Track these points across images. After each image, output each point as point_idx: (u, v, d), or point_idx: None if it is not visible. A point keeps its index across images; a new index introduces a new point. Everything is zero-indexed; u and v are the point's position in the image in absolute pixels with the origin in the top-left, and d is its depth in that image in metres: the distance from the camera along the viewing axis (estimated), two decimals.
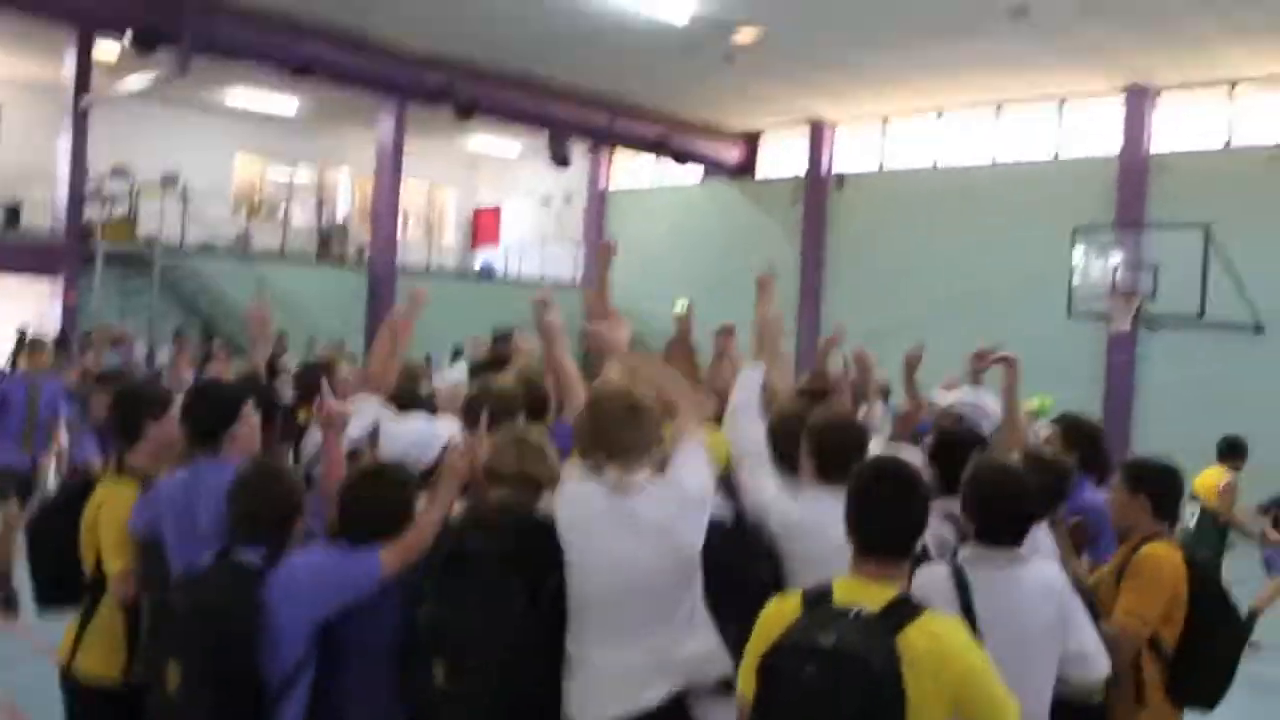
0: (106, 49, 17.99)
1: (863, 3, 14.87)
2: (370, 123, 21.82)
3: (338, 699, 3.21)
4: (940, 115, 21.04)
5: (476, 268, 27.12)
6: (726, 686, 3.01)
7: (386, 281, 21.28)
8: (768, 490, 3.49)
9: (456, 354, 16.63)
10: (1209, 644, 3.73)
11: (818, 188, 22.42)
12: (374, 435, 3.91)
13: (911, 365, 5.25)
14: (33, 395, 8.94)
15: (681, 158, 22.04)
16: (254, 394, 3.84)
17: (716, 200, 24.12)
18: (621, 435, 3.15)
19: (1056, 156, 19.68)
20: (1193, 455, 9.03)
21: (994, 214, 19.62)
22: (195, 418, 3.63)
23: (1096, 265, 17.77)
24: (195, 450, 3.61)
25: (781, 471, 3.59)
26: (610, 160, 25.94)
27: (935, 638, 2.51)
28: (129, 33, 15.00)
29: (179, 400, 3.92)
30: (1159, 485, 3.93)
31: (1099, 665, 3.25)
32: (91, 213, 18.78)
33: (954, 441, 4.05)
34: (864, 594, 2.59)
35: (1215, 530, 8.58)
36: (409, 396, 4.68)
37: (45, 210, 18.94)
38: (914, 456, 3.83)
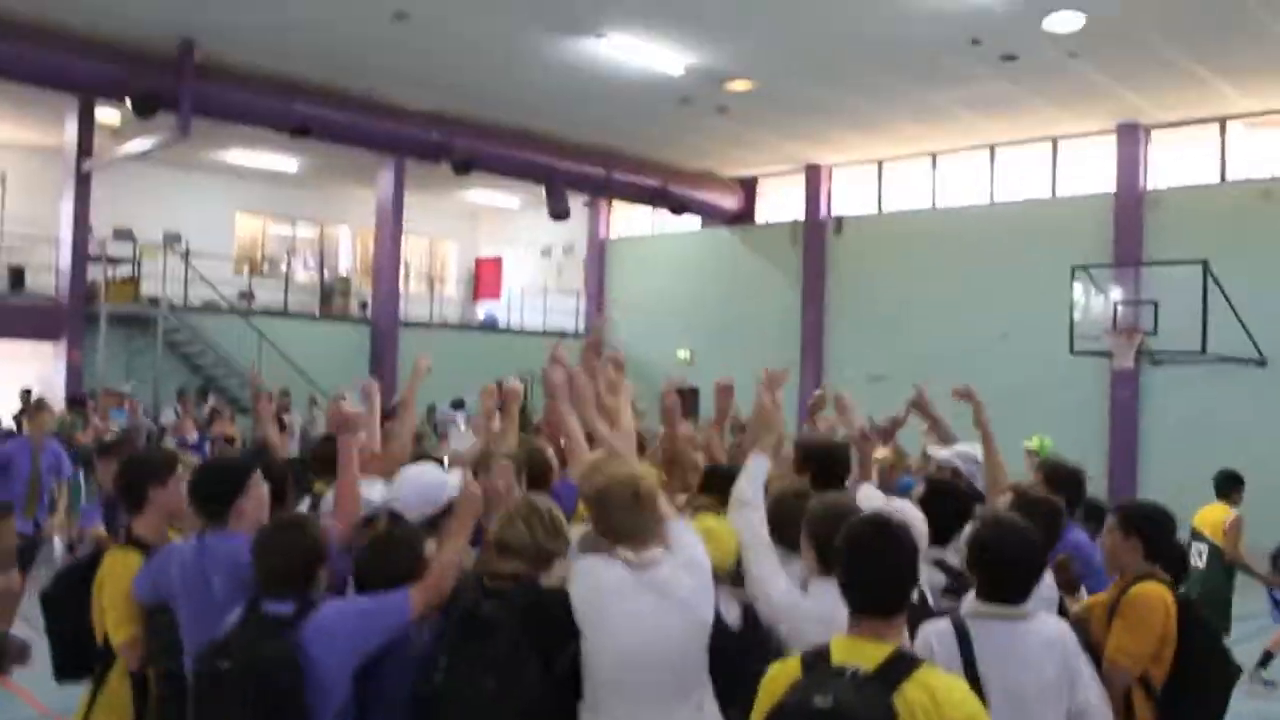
0: (107, 114, 18.20)
1: (852, 51, 15.01)
2: (370, 179, 21.99)
3: None
4: (935, 158, 21.18)
5: (479, 319, 27.23)
6: None
7: (389, 335, 21.36)
8: (778, 587, 3.47)
9: (458, 405, 16.71)
10: (1199, 683, 3.81)
11: (816, 231, 22.54)
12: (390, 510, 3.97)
13: (922, 407, 5.34)
14: (35, 459, 8.94)
15: (679, 208, 22.10)
16: (263, 467, 3.91)
17: (716, 247, 24.24)
18: (630, 521, 3.24)
19: (1053, 194, 19.79)
20: (1199, 489, 9.06)
21: (993, 253, 19.71)
22: (203, 491, 3.68)
23: (1097, 302, 17.82)
24: (205, 522, 3.65)
25: (782, 552, 3.62)
26: (609, 210, 26.09)
27: (932, 692, 2.52)
28: (129, 99, 15.14)
29: (184, 466, 3.97)
30: (1151, 528, 4.06)
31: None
32: (95, 274, 18.90)
33: (945, 491, 4.13)
34: (860, 653, 2.61)
35: (1224, 569, 8.51)
36: (415, 457, 4.73)
37: (49, 273, 19.08)
38: (911, 512, 3.85)
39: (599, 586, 3.19)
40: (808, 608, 3.37)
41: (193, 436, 14.80)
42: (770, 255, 23.18)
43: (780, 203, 23.65)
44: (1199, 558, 8.38)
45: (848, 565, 2.75)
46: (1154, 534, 4.04)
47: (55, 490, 9.36)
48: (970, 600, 3.29)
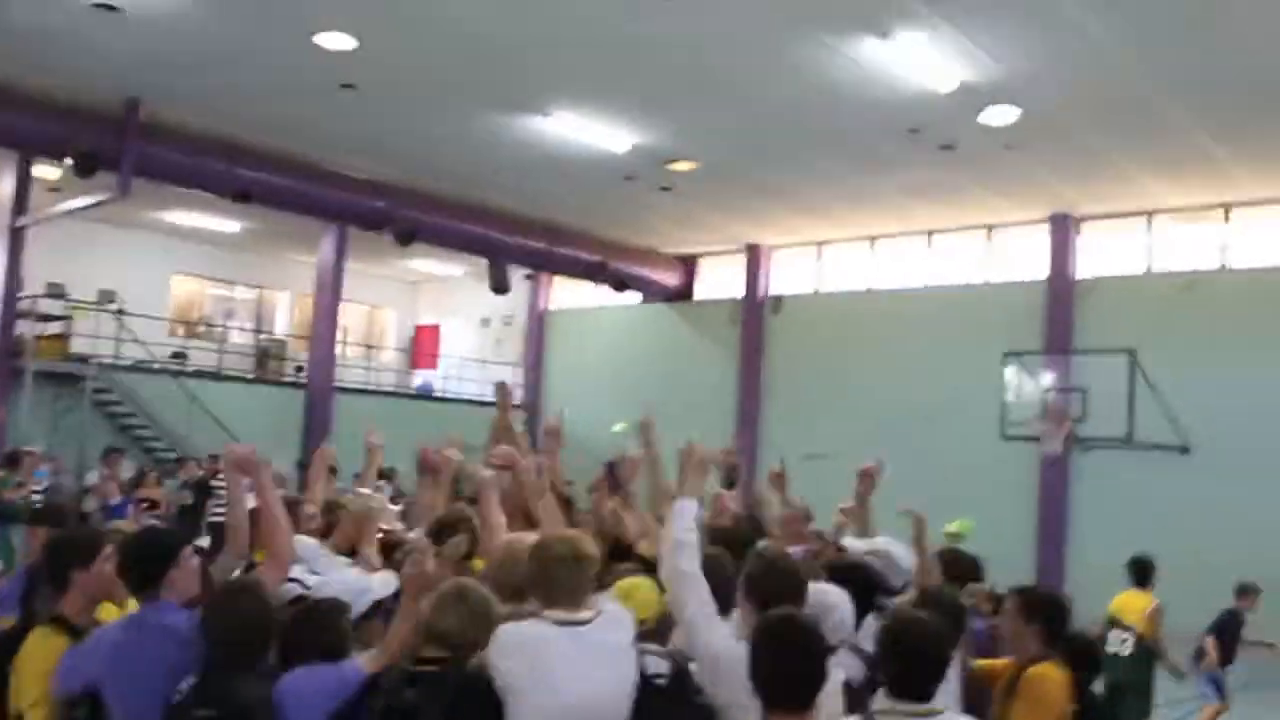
0: (46, 169, 17.98)
1: (795, 136, 15.32)
2: (312, 245, 21.90)
3: None
4: (873, 242, 21.57)
5: (415, 386, 27.07)
6: None
7: (323, 399, 21.15)
8: (719, 633, 3.42)
9: (388, 475, 16.46)
10: None
11: (754, 310, 22.78)
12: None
13: (866, 485, 5.38)
14: None
15: (620, 284, 22.23)
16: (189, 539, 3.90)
17: (655, 321, 24.38)
18: (569, 580, 3.30)
19: (987, 280, 20.21)
20: (1125, 573, 9.17)
21: (927, 336, 20.03)
22: (134, 565, 3.62)
23: (1028, 386, 18.15)
24: (137, 595, 3.61)
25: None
26: (550, 282, 26.18)
27: None
28: (70, 158, 15.00)
29: (117, 536, 3.93)
30: (1050, 615, 4.21)
31: None
32: (23, 330, 18.53)
33: (847, 578, 4.16)
34: None
35: (1147, 656, 8.58)
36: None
37: None
38: (835, 594, 3.88)
39: (533, 648, 3.18)
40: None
41: (116, 498, 14.49)
42: (709, 332, 23.36)
43: (720, 281, 23.90)
44: (1121, 645, 8.46)
45: (758, 659, 2.80)
46: (1054, 620, 4.18)
47: None
48: (880, 698, 3.26)
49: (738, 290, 23.14)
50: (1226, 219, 17.94)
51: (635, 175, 17.40)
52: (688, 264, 24.08)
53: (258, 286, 27.06)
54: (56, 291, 20.07)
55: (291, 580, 4.00)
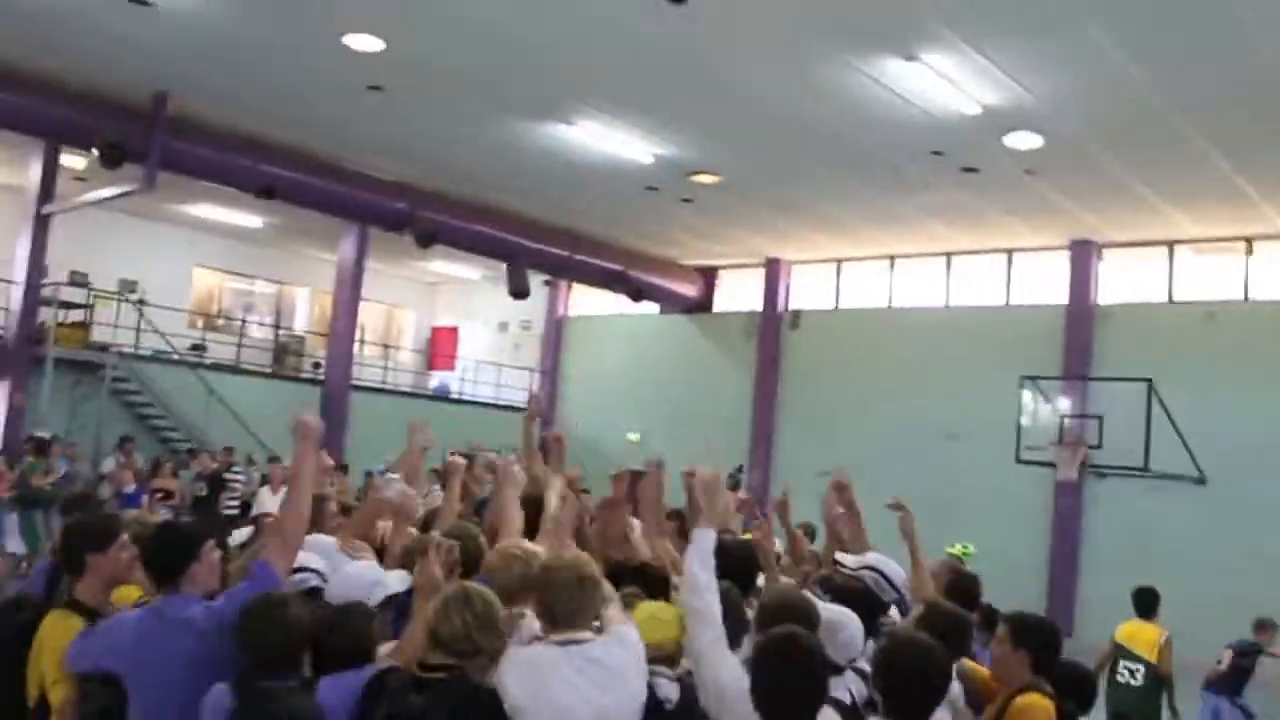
0: (73, 158, 18.12)
1: (819, 154, 15.33)
2: (332, 243, 21.99)
3: None
4: (893, 261, 21.55)
5: (431, 387, 27.15)
6: None
7: (340, 397, 21.21)
8: (730, 668, 3.37)
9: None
10: None
11: (772, 324, 22.79)
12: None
13: (842, 496, 5.36)
14: None
15: (638, 294, 22.21)
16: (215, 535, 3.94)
17: (673, 332, 24.41)
18: (573, 604, 3.35)
19: (1006, 303, 20.16)
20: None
21: (945, 356, 20.01)
22: (156, 558, 3.67)
23: (1044, 411, 18.11)
24: (158, 588, 3.65)
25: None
26: (569, 288, 26.24)
27: None
28: (97, 149, 15.11)
29: (141, 525, 3.99)
30: (1040, 642, 4.15)
31: None
32: (45, 317, 18.66)
33: (850, 599, 4.16)
34: None
35: (1159, 688, 8.51)
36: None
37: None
38: (847, 617, 3.89)
39: (537, 669, 3.22)
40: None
41: (131, 487, 14.60)
42: (726, 344, 23.37)
43: (738, 294, 23.91)
44: (1131, 675, 8.40)
45: (759, 677, 2.82)
46: (1042, 648, 4.13)
47: None
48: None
49: (756, 304, 23.14)
50: (1249, 251, 17.89)
51: (657, 186, 17.44)
52: (707, 276, 24.10)
53: (278, 282, 27.20)
54: (79, 280, 20.21)
55: (308, 570, 4.03)
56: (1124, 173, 14.97)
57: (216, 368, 21.34)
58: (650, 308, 24.39)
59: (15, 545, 12.96)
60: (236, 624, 3.36)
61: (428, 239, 18.67)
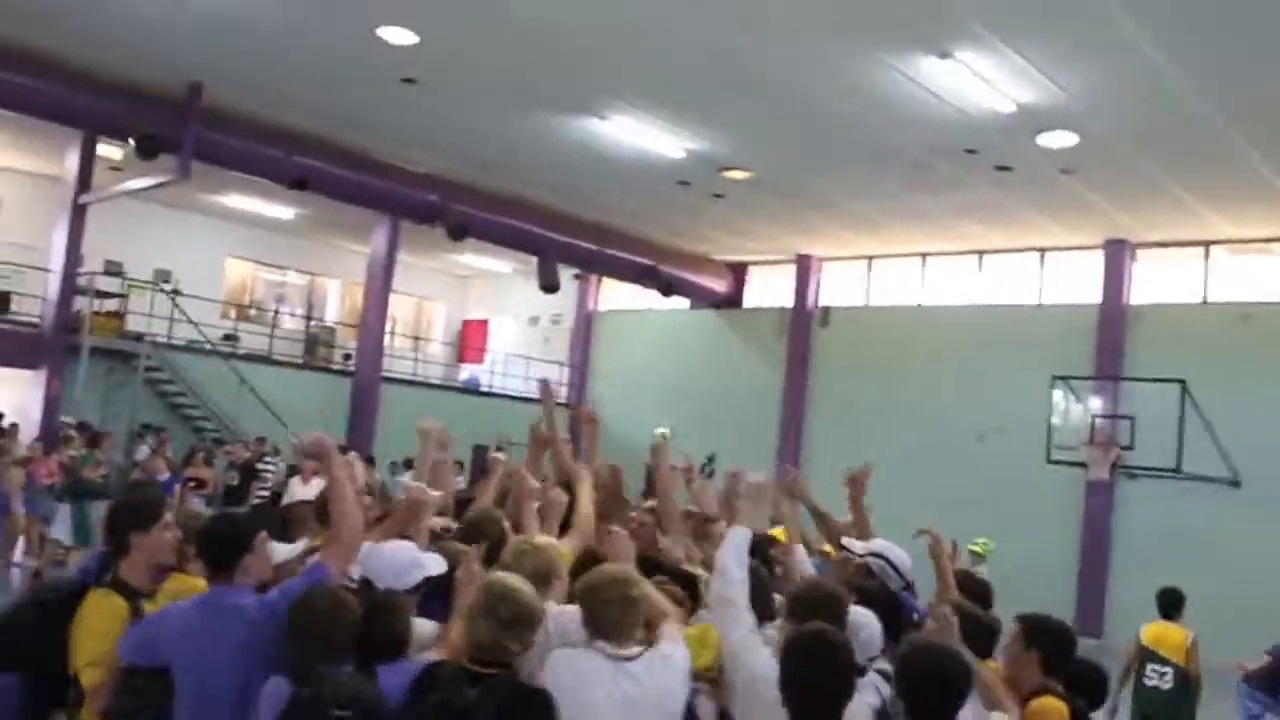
0: (109, 148, 18.32)
1: (851, 151, 15.28)
2: (364, 235, 22.13)
3: None
4: (924, 259, 21.45)
5: (461, 380, 27.26)
6: None
7: (371, 389, 21.36)
8: (762, 658, 3.47)
9: (408, 464, 16.59)
10: None
11: (802, 320, 22.73)
12: None
13: (857, 487, 5.36)
14: None
15: (668, 288, 22.19)
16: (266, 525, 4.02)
17: (703, 327, 24.40)
18: (616, 617, 3.41)
19: (1038, 303, 20.03)
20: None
21: (976, 355, 19.90)
22: (211, 548, 3.74)
23: (1076, 410, 18.01)
24: (212, 577, 3.72)
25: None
26: (599, 283, 26.28)
27: None
28: (132, 139, 15.26)
29: (188, 518, 4.09)
30: (1052, 644, 4.16)
31: None
32: (81, 306, 18.89)
33: (873, 601, 4.16)
34: None
35: (1189, 691, 8.43)
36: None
37: (35, 301, 19.06)
38: (866, 616, 3.92)
39: (578, 676, 3.32)
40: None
41: (164, 475, 14.74)
42: (756, 340, 23.34)
43: (769, 290, 23.87)
44: (1160, 678, 8.32)
45: (788, 675, 2.85)
46: (1053, 649, 4.15)
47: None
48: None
49: (786, 300, 23.10)
50: None
51: (689, 181, 17.43)
52: (737, 272, 24.07)
53: (309, 273, 27.38)
54: (114, 269, 20.46)
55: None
56: (1159, 172, 14.84)
57: (248, 358, 21.53)
58: (680, 303, 24.39)
59: (63, 534, 13.10)
60: (291, 614, 3.43)
61: (459, 232, 18.73)
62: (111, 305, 20.05)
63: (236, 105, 15.98)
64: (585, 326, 26.56)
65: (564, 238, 20.28)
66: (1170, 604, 8.56)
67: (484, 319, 29.68)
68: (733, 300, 24.15)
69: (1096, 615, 17.37)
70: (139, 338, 19.63)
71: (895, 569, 4.59)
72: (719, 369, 23.48)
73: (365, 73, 14.13)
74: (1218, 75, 11.57)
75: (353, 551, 3.84)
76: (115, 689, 3.69)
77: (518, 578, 3.47)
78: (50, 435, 16.28)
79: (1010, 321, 19.91)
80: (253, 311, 26.02)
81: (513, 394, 25.07)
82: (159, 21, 13.00)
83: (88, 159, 18.45)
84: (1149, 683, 8.29)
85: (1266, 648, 9.51)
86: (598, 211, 20.18)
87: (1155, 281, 18.87)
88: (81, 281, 18.92)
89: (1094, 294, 19.05)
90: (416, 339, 28.65)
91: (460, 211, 18.67)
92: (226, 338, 22.57)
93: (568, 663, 3.37)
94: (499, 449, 6.00)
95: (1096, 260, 19.07)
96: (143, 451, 16.42)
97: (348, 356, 24.14)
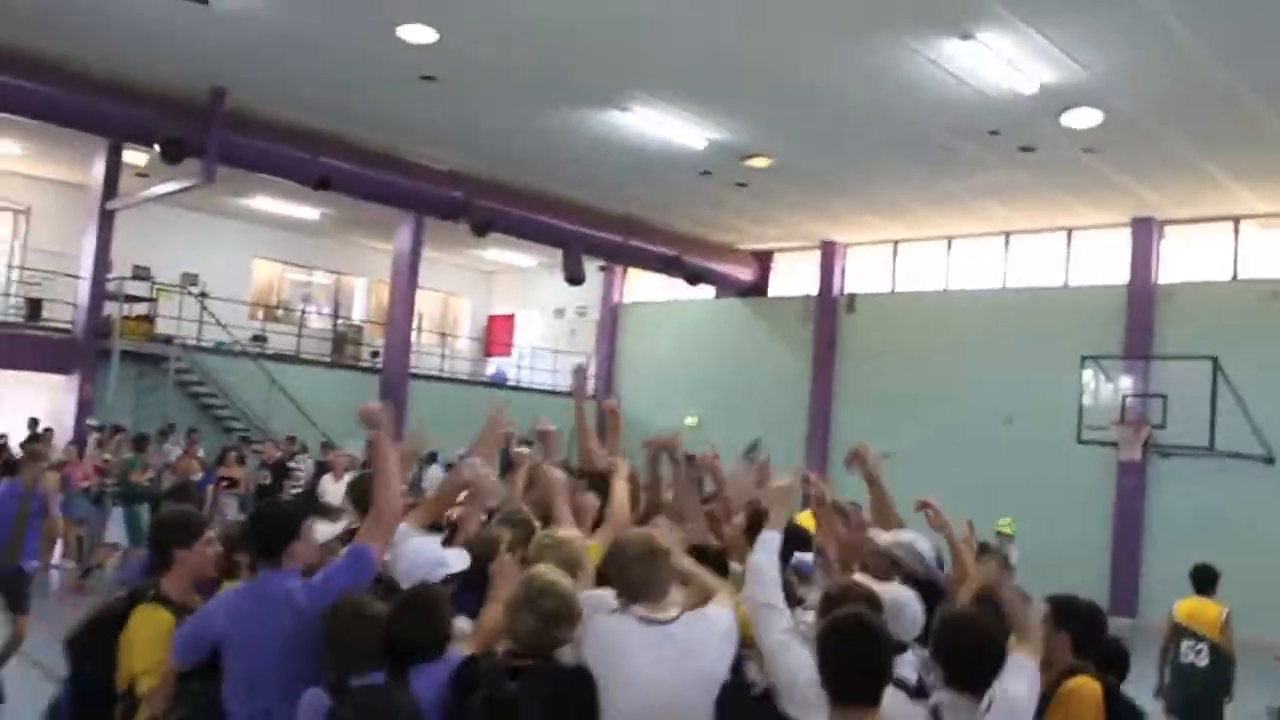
0: (135, 154, 18.48)
1: (873, 136, 15.21)
2: (389, 233, 22.21)
3: None
4: (950, 242, 21.35)
5: (488, 374, 27.34)
6: None
7: (399, 385, 21.46)
8: (796, 655, 3.42)
9: (432, 458, 16.69)
10: None
11: (828, 307, 22.68)
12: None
13: (864, 467, 5.29)
14: (25, 503, 8.59)
15: (694, 278, 22.20)
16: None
17: (729, 316, 24.38)
18: (645, 575, 3.41)
19: (1065, 284, 19.90)
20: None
21: (1004, 338, 19.80)
22: (260, 535, 3.83)
23: (1106, 390, 17.90)
24: (260, 563, 3.81)
25: None
26: (624, 274, 26.29)
27: None
28: (157, 144, 15.39)
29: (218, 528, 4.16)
30: (1082, 625, 4.25)
31: None
32: (111, 310, 19.08)
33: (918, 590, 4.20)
34: None
35: (1226, 667, 8.37)
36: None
37: (66, 306, 19.26)
38: (903, 594, 3.95)
39: (614, 642, 3.32)
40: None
41: (197, 475, 14.88)
42: (782, 328, 23.30)
43: (794, 277, 23.82)
44: (1196, 655, 8.26)
45: (827, 655, 2.88)
46: (1084, 630, 4.22)
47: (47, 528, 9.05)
48: (940, 691, 3.37)
49: (812, 287, 23.04)
50: None
51: (712, 171, 17.41)
52: (762, 260, 24.03)
53: (335, 272, 27.52)
54: (142, 274, 20.62)
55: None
56: (1186, 148, 14.71)
57: (277, 358, 21.68)
58: (706, 292, 24.37)
59: (118, 536, 13.66)
60: (324, 628, 3.47)
61: (483, 227, 18.78)
62: (141, 309, 20.22)
63: (259, 108, 16.08)
64: (611, 318, 26.59)
65: (588, 230, 20.30)
66: (1204, 580, 8.49)
67: (510, 313, 29.74)
68: (758, 288, 24.10)
69: (1130, 595, 17.28)
70: (168, 341, 19.80)
71: (919, 556, 4.58)
72: (746, 358, 23.46)
73: (386, 71, 14.18)
74: (1242, 46, 11.44)
75: (393, 523, 3.84)
76: (173, 698, 3.76)
77: (558, 570, 3.47)
78: (79, 439, 16.48)
79: (1038, 303, 19.79)
80: (280, 312, 26.18)
81: (540, 387, 25.13)
82: (181, 28, 13.10)
83: (114, 166, 18.62)
84: (1185, 660, 8.24)
85: None
86: (621, 203, 20.18)
87: (1184, 259, 18.70)
88: (111, 287, 19.12)
89: (1122, 274, 18.90)
90: (443, 335, 28.77)
91: (484, 207, 18.72)
92: (255, 338, 22.72)
93: (603, 630, 3.36)
94: (523, 443, 5.98)
95: (1124, 239, 18.92)
96: (173, 452, 16.57)
97: (375, 354, 24.25)
